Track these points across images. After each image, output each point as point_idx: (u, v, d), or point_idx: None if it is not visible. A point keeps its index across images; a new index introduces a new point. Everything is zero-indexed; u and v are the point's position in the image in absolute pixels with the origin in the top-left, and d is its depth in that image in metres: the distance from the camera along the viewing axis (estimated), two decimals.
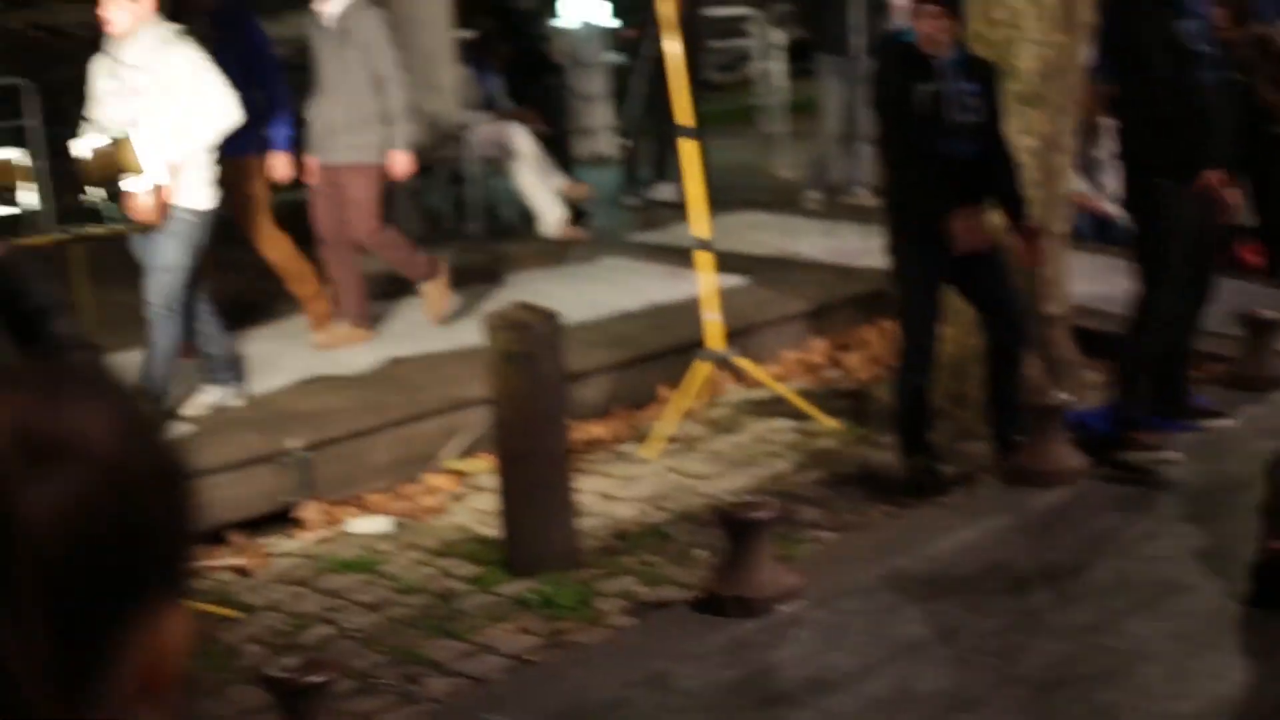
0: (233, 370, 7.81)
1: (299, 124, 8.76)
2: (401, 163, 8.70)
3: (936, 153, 6.82)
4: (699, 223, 8.37)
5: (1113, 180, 10.21)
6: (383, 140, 8.62)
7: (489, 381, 6.61)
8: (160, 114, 7.08)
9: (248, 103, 7.49)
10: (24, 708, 0.99)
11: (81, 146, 7.06)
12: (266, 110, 8.36)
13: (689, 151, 8.52)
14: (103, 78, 7.24)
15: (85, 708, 1.01)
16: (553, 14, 13.95)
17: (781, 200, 12.37)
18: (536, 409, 6.44)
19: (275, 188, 8.74)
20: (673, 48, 8.41)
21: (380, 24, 8.66)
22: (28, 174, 7.01)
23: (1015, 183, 7.12)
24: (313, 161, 8.73)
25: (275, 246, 8.64)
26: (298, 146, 8.75)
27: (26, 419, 1.03)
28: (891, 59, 7.11)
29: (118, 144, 7.00)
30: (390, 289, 9.71)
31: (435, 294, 8.99)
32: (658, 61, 10.01)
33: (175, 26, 7.29)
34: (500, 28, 12.31)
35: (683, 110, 8.45)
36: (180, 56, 7.16)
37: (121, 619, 1.02)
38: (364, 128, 8.57)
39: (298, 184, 8.80)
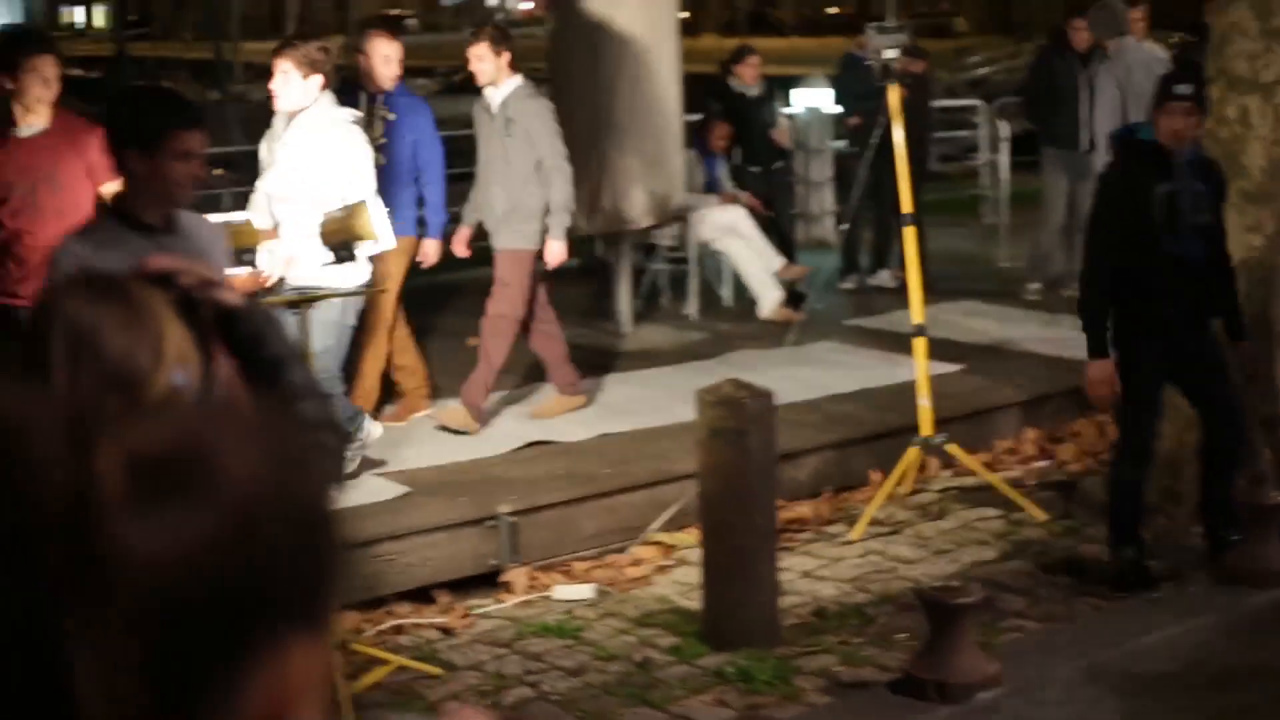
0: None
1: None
2: (556, 252, 8.73)
3: (1169, 254, 6.78)
4: (916, 308, 8.39)
5: None
6: (541, 228, 8.66)
7: (698, 456, 6.69)
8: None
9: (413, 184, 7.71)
10: None
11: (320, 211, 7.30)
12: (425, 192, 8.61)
13: (909, 238, 8.56)
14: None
15: None
16: (781, 100, 14.06)
17: (1000, 290, 12.33)
18: (744, 485, 6.51)
19: (415, 271, 8.93)
20: (898, 136, 8.48)
21: (544, 112, 8.70)
22: (261, 236, 7.28)
23: (1235, 294, 7.05)
24: (462, 237, 8.92)
25: (395, 331, 8.81)
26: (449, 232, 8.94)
27: (149, 446, 0.99)
28: (1131, 155, 7.03)
29: (351, 210, 7.23)
30: (599, 365, 9.89)
31: (558, 406, 9.04)
32: (882, 149, 10.09)
33: (351, 113, 7.53)
34: (725, 111, 12.46)
35: (905, 197, 8.50)
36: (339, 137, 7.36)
37: (231, 663, 0.98)
38: (524, 216, 8.63)
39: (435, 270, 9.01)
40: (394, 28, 9.30)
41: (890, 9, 10.47)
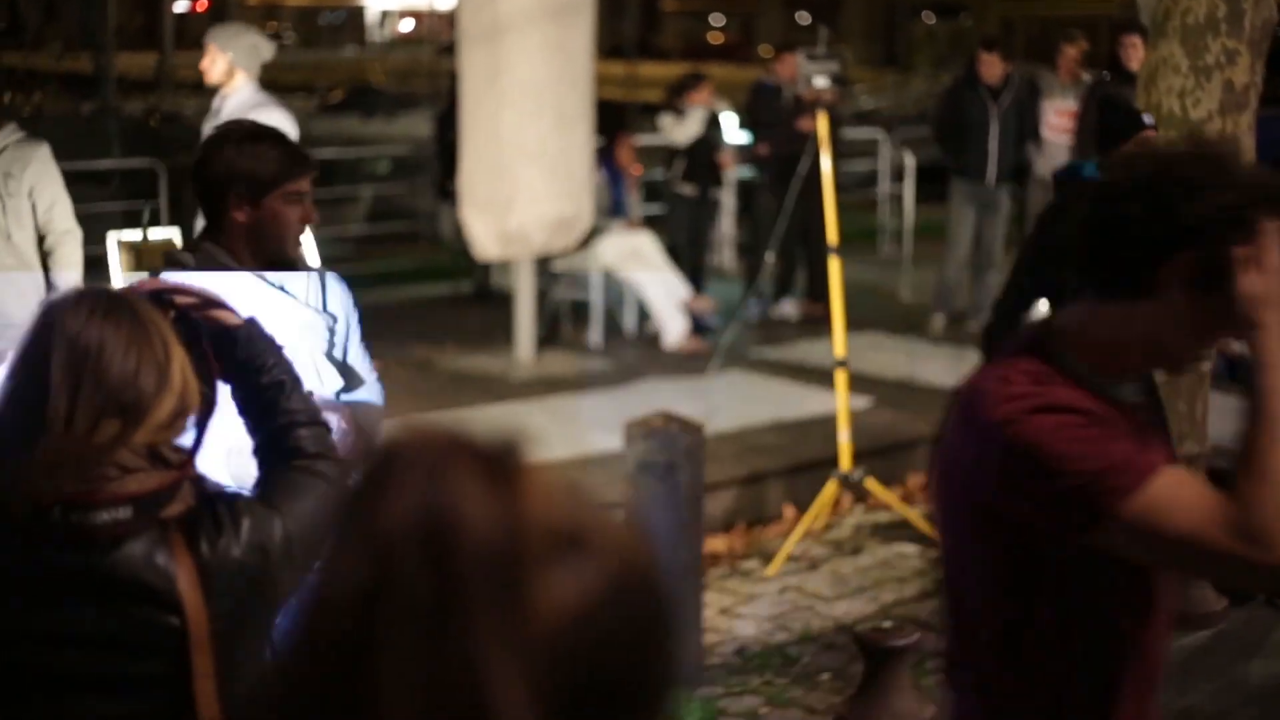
0: None
1: None
2: None
3: None
4: (839, 341, 8.29)
5: None
6: None
7: (624, 489, 6.53)
8: None
9: None
10: None
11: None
12: None
13: (835, 269, 8.45)
14: None
15: None
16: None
17: (904, 323, 12.29)
18: (670, 520, 6.35)
19: None
20: (826, 165, 8.39)
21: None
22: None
23: None
24: None
25: None
26: None
27: (553, 511, 1.07)
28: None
29: None
30: (501, 392, 9.71)
31: None
32: (805, 178, 10.01)
33: None
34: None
35: (832, 228, 8.40)
36: None
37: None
38: None
39: None
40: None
41: (821, 38, 10.37)
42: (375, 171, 18.41)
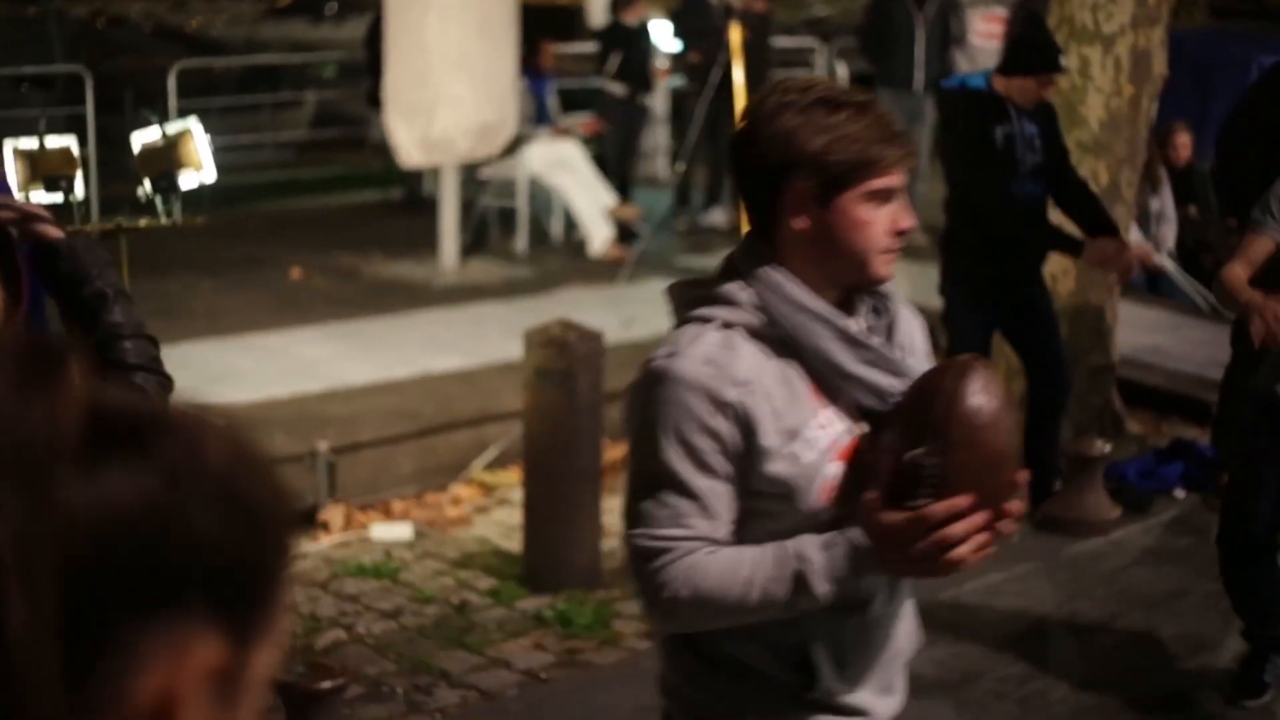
0: None
1: None
2: None
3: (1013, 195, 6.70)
4: None
5: (1170, 233, 10.11)
6: None
7: (523, 396, 6.55)
8: None
9: None
10: (23, 704, 0.94)
11: (137, 139, 7.02)
12: None
13: None
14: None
15: (82, 718, 0.96)
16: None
17: None
18: (570, 427, 6.38)
19: None
20: (738, 75, 8.36)
21: None
22: (79, 162, 6.99)
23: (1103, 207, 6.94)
24: None
25: None
26: None
27: (112, 403, 1.00)
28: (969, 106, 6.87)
29: (173, 140, 6.97)
30: (425, 300, 9.69)
31: None
32: (718, 87, 9.97)
33: None
34: (604, 40, 12.36)
35: None
36: None
37: (134, 630, 0.97)
38: None
39: None
40: None
41: None
42: (321, 76, 18.24)
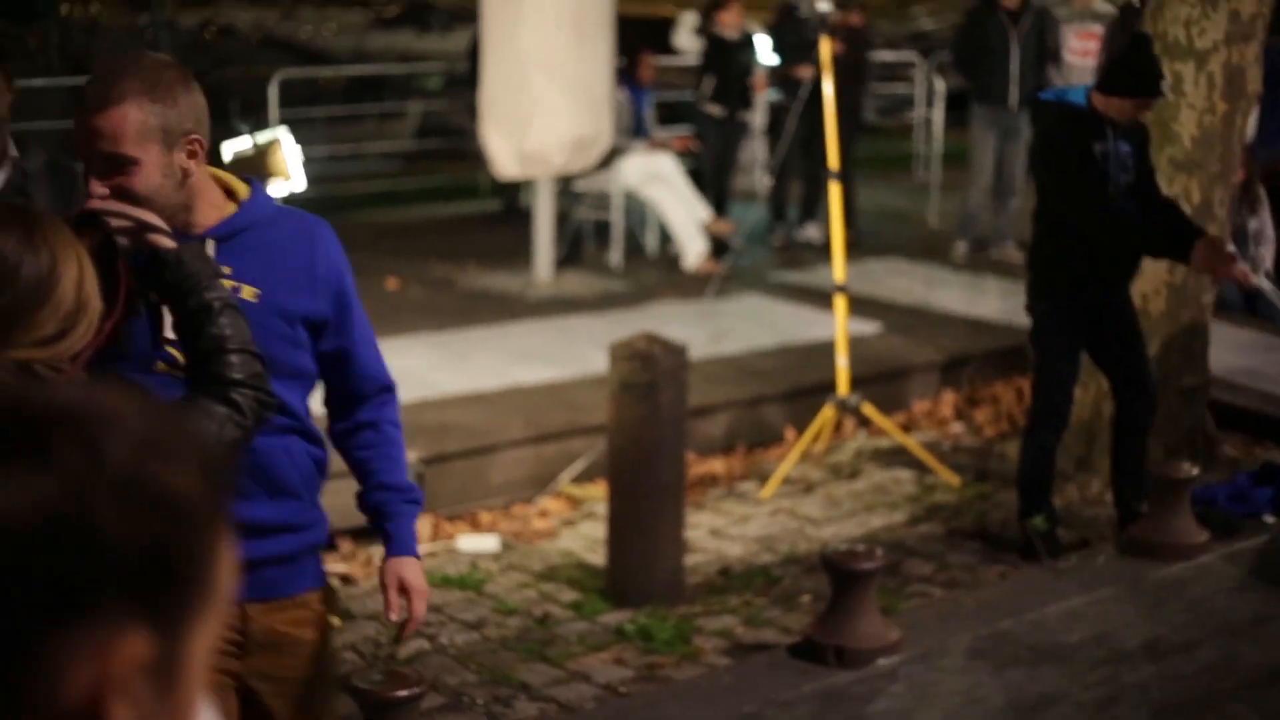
0: None
1: None
2: None
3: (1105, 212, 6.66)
4: (838, 265, 8.31)
5: (1268, 254, 10.00)
6: None
7: (608, 410, 6.60)
8: None
9: None
10: None
11: (229, 148, 7.15)
12: None
13: (835, 194, 8.47)
14: None
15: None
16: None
17: (928, 249, 12.27)
18: (653, 440, 6.42)
19: None
20: (828, 89, 8.38)
21: None
22: None
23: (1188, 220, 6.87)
24: None
25: None
26: None
27: (13, 402, 1.00)
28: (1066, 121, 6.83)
29: (262, 148, 7.09)
30: (517, 312, 9.77)
31: None
32: (812, 102, 9.98)
33: None
34: (705, 56, 12.41)
35: (833, 152, 8.41)
36: None
37: (56, 635, 0.97)
38: None
39: None
40: None
41: None
42: (426, 87, 18.40)
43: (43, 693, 0.98)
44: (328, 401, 3.51)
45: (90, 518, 0.97)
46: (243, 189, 3.29)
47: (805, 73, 12.21)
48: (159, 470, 1.02)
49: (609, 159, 11.18)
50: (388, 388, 3.52)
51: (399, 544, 3.54)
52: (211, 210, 3.22)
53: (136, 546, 0.99)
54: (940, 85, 14.66)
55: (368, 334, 3.43)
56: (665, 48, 14.72)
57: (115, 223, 3.02)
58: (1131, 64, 6.67)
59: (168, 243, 3.03)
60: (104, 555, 0.98)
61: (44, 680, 0.97)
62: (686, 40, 13.60)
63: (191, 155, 3.12)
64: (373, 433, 3.52)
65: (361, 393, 3.47)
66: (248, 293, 3.19)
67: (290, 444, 3.33)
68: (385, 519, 3.55)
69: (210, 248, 3.17)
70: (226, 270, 3.16)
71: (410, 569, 3.54)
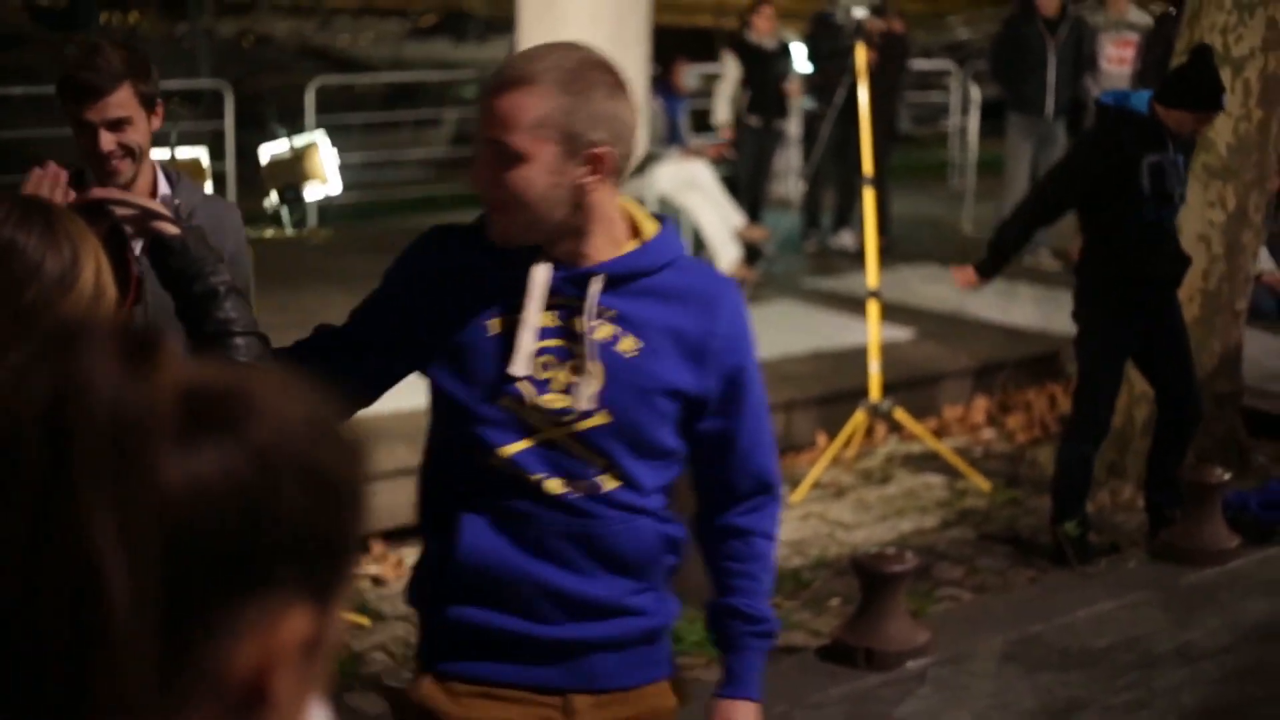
0: None
1: None
2: None
3: (1152, 222, 6.66)
4: (872, 271, 8.32)
5: None
6: None
7: None
8: None
9: None
10: (123, 684, 0.97)
11: (265, 151, 7.21)
12: None
13: (869, 200, 8.48)
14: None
15: (178, 696, 0.99)
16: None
17: (962, 257, 12.19)
18: None
19: None
20: (863, 97, 8.39)
21: None
22: (206, 174, 7.18)
23: None
24: None
25: None
26: None
27: (203, 381, 1.03)
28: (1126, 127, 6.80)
29: (299, 152, 7.15)
30: None
31: None
32: (847, 109, 10.00)
33: None
34: (740, 63, 12.43)
35: (867, 159, 8.42)
36: None
37: (230, 605, 1.00)
38: None
39: None
40: None
41: None
42: (463, 95, 18.50)
43: (213, 664, 1.00)
44: (697, 487, 3.01)
45: (274, 491, 1.01)
46: (651, 228, 2.83)
47: (824, 79, 12.25)
48: (327, 450, 1.06)
49: (643, 166, 11.19)
50: (768, 488, 2.99)
51: (738, 684, 3.01)
52: (608, 246, 2.75)
53: (309, 523, 1.03)
54: (976, 94, 14.65)
55: (760, 422, 2.94)
56: (702, 56, 14.73)
57: (120, 211, 3.06)
58: (1194, 77, 6.64)
59: (173, 229, 3.07)
60: (282, 530, 1.02)
61: (217, 651, 1.00)
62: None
63: (594, 171, 2.65)
64: (740, 544, 3.03)
65: (737, 490, 2.97)
66: (627, 344, 2.75)
67: (638, 524, 2.89)
68: (729, 648, 3.05)
69: (598, 283, 2.74)
70: (610, 313, 2.75)
71: (744, 716, 3.00)
